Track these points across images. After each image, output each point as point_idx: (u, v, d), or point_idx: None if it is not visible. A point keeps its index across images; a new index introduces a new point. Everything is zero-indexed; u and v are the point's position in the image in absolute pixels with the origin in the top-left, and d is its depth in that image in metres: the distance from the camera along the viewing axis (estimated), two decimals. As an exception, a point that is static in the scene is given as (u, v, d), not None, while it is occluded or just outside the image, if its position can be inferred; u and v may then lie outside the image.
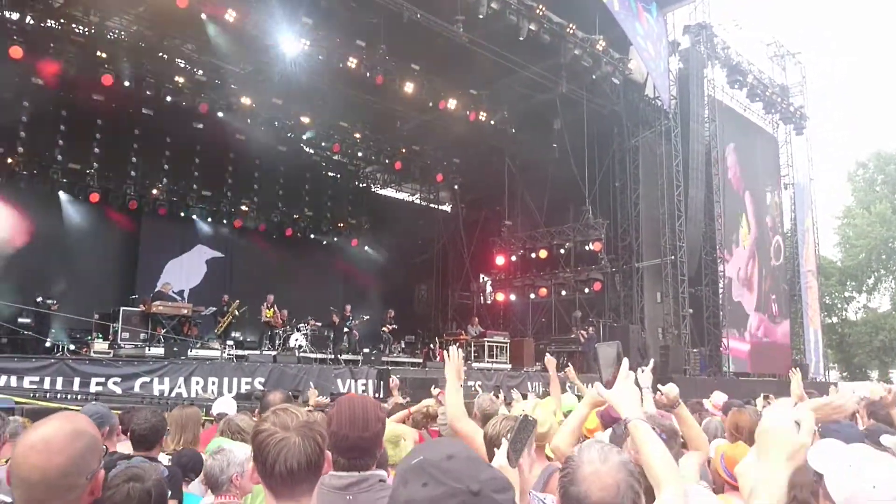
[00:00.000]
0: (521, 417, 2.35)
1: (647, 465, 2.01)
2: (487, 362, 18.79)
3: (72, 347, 13.84)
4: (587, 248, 21.57)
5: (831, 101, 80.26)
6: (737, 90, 25.82)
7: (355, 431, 2.31)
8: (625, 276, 22.06)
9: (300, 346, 16.60)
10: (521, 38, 16.49)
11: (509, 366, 19.09)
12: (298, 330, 17.07)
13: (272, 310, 16.93)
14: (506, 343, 20.05)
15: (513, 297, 24.88)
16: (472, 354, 19.17)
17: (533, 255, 23.42)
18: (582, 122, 19.90)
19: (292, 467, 1.78)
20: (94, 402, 4.38)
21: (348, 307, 18.87)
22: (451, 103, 19.73)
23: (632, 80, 20.65)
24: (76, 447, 1.65)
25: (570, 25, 17.27)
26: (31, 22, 15.81)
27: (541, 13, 16.51)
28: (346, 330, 18.22)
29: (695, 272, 22.41)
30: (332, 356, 16.80)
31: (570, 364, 6.23)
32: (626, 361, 2.30)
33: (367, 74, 17.41)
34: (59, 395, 10.10)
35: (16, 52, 15.18)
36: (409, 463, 1.19)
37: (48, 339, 14.13)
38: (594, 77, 19.02)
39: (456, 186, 27.41)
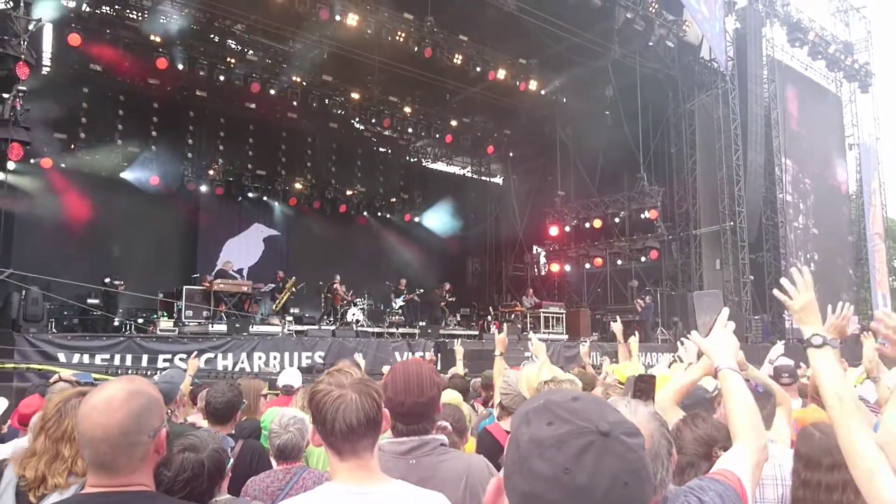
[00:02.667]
0: (635, 376, 2.34)
1: (729, 416, 1.97)
2: (543, 333, 18.73)
3: (141, 322, 14.33)
4: (643, 215, 21.19)
5: (898, 56, 76.73)
6: (797, 48, 24.85)
7: (411, 397, 2.30)
8: (682, 244, 21.64)
9: (357, 321, 16.82)
10: (571, 3, 16.14)
11: (566, 336, 19.00)
12: (355, 305, 17.29)
13: (342, 286, 17.27)
14: (562, 314, 19.95)
15: (567, 268, 24.68)
16: (528, 325, 19.13)
17: (587, 225, 23.15)
18: (635, 87, 19.44)
19: (352, 423, 1.80)
20: (155, 380, 4.44)
21: (403, 281, 19.02)
22: (501, 74, 19.50)
23: (686, 42, 20.05)
24: (134, 405, 1.69)
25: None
26: (87, 9, 16.21)
27: (591, -23, 16.14)
28: (401, 304, 18.39)
29: (755, 238, 21.83)
30: (390, 330, 17.01)
31: (636, 333, 6.03)
32: (725, 310, 2.21)
33: (416, 48, 17.34)
34: (129, 371, 10.47)
35: (74, 39, 15.58)
36: (531, 405, 1.15)
37: (116, 318, 14.62)
38: (647, 41, 18.52)
39: (508, 158, 27.19)
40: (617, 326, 5.85)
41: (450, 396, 4.28)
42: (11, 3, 12.18)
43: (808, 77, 26.38)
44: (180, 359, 11.44)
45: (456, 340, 7.33)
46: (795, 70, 25.55)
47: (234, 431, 3.93)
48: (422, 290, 19.18)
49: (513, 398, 3.70)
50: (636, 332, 5.96)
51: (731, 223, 20.80)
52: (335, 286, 17.17)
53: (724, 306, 2.26)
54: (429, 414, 2.36)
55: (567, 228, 24.11)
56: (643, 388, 2.29)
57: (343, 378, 1.88)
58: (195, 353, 5.97)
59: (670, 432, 1.92)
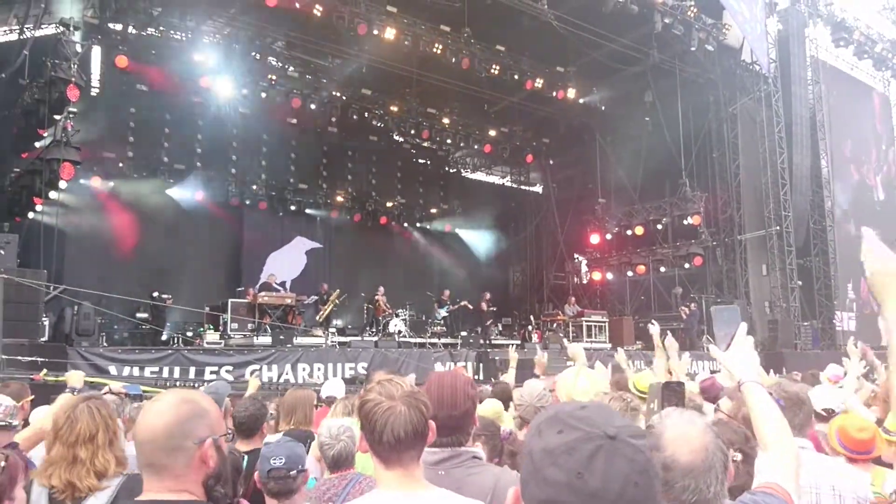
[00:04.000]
0: (662, 383, 2.33)
1: (756, 428, 1.96)
2: (586, 342, 18.56)
3: (189, 335, 14.62)
4: (685, 222, 20.91)
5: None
6: (842, 48, 24.29)
7: (444, 410, 2.29)
8: (727, 250, 21.27)
9: (400, 332, 16.91)
10: (608, 10, 16.06)
11: (609, 345, 18.80)
12: (397, 316, 17.39)
13: (384, 298, 17.38)
14: (604, 322, 19.76)
15: (609, 276, 24.46)
16: (570, 334, 18.99)
17: (629, 232, 22.92)
18: (675, 92, 19.27)
19: (399, 435, 1.84)
20: (205, 387, 4.54)
21: (446, 292, 19.05)
22: (539, 83, 19.51)
23: (727, 45, 19.76)
24: (182, 410, 1.74)
25: (659, -7, 16.71)
26: (133, 31, 16.65)
27: (627, -18, 16.04)
28: (444, 314, 18.43)
29: (802, 242, 21.35)
30: (432, 340, 17.06)
31: (667, 333, 5.90)
32: (743, 325, 2.20)
33: (453, 59, 17.47)
34: (177, 384, 10.69)
35: (121, 61, 16.04)
36: (542, 417, 1.20)
37: (164, 332, 14.95)
38: (687, 46, 18.32)
39: (547, 166, 27.12)
40: (654, 329, 5.75)
41: (490, 406, 4.27)
42: (61, 27, 12.60)
43: (854, 77, 25.77)
44: (226, 371, 11.64)
45: (511, 346, 7.34)
46: (841, 70, 24.98)
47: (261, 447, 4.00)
48: (464, 302, 19.14)
49: (526, 408, 3.84)
50: (667, 333, 5.82)
51: (778, 228, 20.40)
52: (377, 298, 17.29)
53: (742, 321, 2.23)
54: (463, 427, 2.36)
55: (608, 236, 23.92)
56: (672, 395, 2.27)
57: (393, 389, 1.92)
58: (256, 372, 6.05)
59: None
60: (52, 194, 14.68)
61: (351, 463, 3.26)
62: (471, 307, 19.02)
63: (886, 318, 1.66)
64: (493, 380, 7.07)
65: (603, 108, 23.33)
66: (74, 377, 4.50)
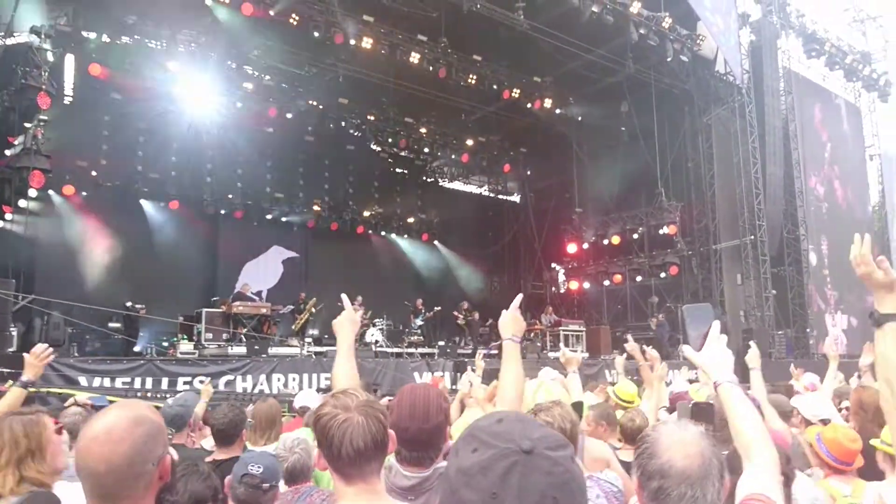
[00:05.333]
0: (692, 404, 2.29)
1: (735, 430, 1.91)
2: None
3: (164, 345, 14.43)
4: (661, 231, 21.10)
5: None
6: (814, 59, 24.70)
7: (415, 423, 2.25)
8: (702, 259, 21.44)
9: (376, 341, 16.82)
10: (584, 21, 16.18)
11: (586, 354, 18.82)
12: (374, 325, 17.29)
13: (361, 308, 17.22)
14: (581, 331, 19.80)
15: (586, 285, 24.55)
16: (548, 344, 19.01)
17: (605, 242, 23.06)
18: (650, 103, 19.43)
19: (359, 447, 1.75)
20: (168, 404, 4.44)
21: (419, 301, 18.98)
22: (515, 92, 19.61)
23: (701, 56, 19.99)
24: (138, 434, 1.64)
25: (634, 4, 16.85)
26: (107, 40, 16.49)
27: (603, -7, 16.17)
28: (420, 323, 18.35)
29: (776, 252, 21.59)
30: (409, 350, 16.96)
31: (647, 347, 5.82)
32: (717, 323, 2.17)
33: (430, 68, 17.50)
34: (149, 395, 10.53)
35: (94, 69, 15.89)
36: (461, 434, 1.16)
37: (137, 342, 14.73)
38: (662, 56, 18.50)
39: (525, 176, 27.21)
40: (633, 347, 5.70)
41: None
42: (33, 35, 12.45)
43: (825, 88, 26.18)
44: (200, 381, 11.48)
45: (479, 354, 7.31)
46: (813, 81, 25.37)
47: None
48: (439, 308, 19.11)
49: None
50: (648, 347, 5.75)
51: (752, 237, 20.61)
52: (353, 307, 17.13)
53: (715, 319, 2.20)
54: (433, 442, 2.30)
55: (585, 245, 24.05)
56: (701, 415, 2.22)
57: (348, 400, 1.83)
58: (209, 379, 5.96)
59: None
60: (22, 203, 14.50)
61: (307, 476, 3.20)
62: (437, 310, 18.86)
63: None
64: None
65: (579, 118, 23.47)
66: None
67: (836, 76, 26.28)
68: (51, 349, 3.73)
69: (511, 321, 2.85)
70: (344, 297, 3.12)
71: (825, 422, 3.94)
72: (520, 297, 2.96)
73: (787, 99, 23.00)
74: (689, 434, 1.63)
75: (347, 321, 2.94)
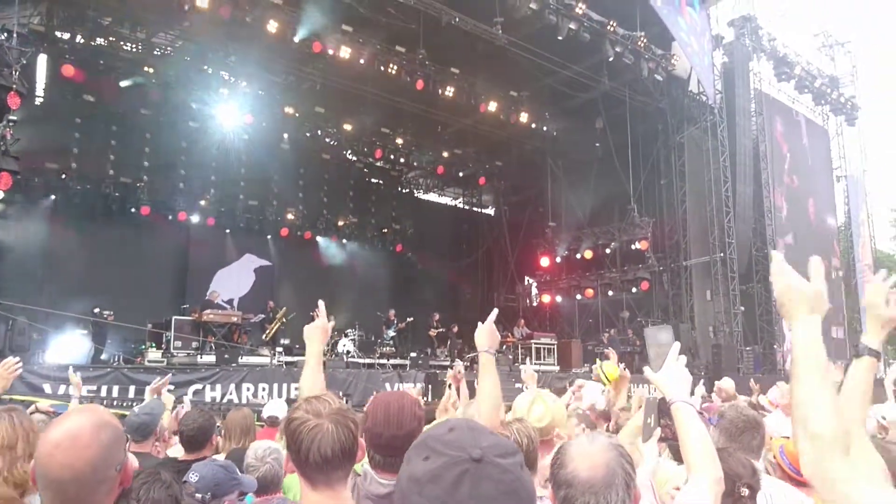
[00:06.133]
0: (658, 398, 2.34)
1: (683, 448, 2.01)
2: (535, 364, 18.63)
3: (129, 354, 14.19)
4: (633, 247, 21.31)
5: (884, 90, 77.62)
6: (784, 82, 25.21)
7: (389, 429, 2.27)
8: (673, 275, 21.69)
9: (348, 352, 16.72)
10: (561, 38, 16.33)
11: (557, 367, 18.92)
12: (346, 335, 17.20)
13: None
14: (553, 345, 19.88)
15: (559, 299, 24.69)
16: (520, 356, 19.05)
17: (578, 256, 23.23)
18: (625, 120, 19.67)
19: (326, 454, 1.77)
20: (134, 412, 4.38)
21: (392, 312, 18.94)
22: (492, 106, 19.70)
23: (675, 76, 20.31)
24: (102, 439, 1.62)
25: (611, 23, 17.05)
26: (81, 41, 16.30)
27: (581, 12, 16.32)
28: (392, 334, 18.30)
29: (745, 269, 21.93)
30: (380, 361, 16.88)
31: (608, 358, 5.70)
32: (676, 344, 2.25)
33: (408, 79, 17.52)
34: (115, 403, 10.35)
35: (67, 70, 15.71)
36: (414, 443, 1.17)
37: (104, 349, 14.46)
38: (637, 74, 18.75)
39: (499, 189, 27.34)
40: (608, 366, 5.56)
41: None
42: (4, 34, 12.25)
43: (795, 110, 26.72)
44: (167, 390, 11.30)
45: (457, 362, 7.26)
46: (783, 103, 25.89)
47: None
48: (411, 319, 19.07)
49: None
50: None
51: (722, 254, 20.90)
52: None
53: (675, 340, 2.28)
54: (406, 448, 2.30)
55: (558, 259, 24.19)
56: (668, 409, 2.27)
57: (321, 406, 1.85)
58: (158, 379, 5.81)
59: None
60: (-11, 205, 14.24)
61: (277, 487, 3.17)
62: (409, 321, 18.85)
63: (793, 334, 1.73)
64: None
65: (555, 133, 23.70)
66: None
67: (805, 99, 26.85)
68: (20, 362, 3.69)
69: (487, 334, 2.95)
70: (321, 304, 3.07)
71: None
72: (495, 311, 3.05)
73: (757, 120, 23.44)
74: (595, 446, 1.70)
75: (320, 330, 2.95)
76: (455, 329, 19.71)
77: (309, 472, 1.81)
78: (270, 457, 3.17)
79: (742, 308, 21.36)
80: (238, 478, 2.94)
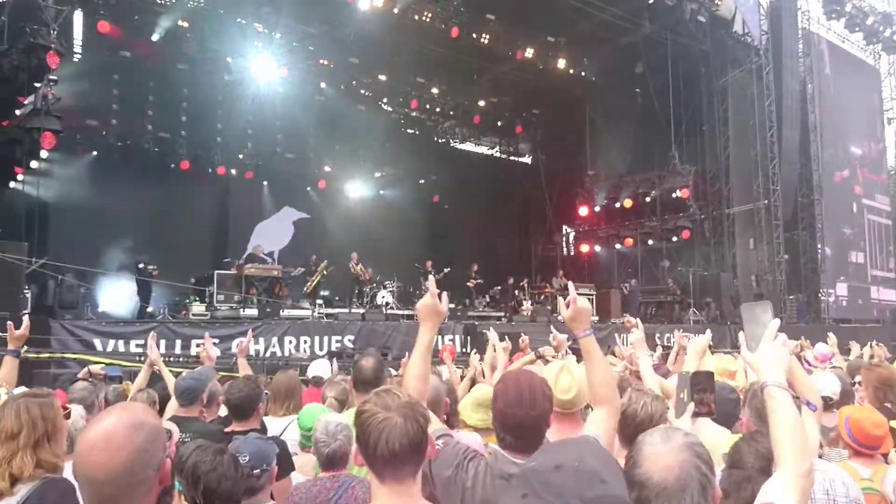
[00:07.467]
0: (690, 374, 2.26)
1: (773, 436, 1.89)
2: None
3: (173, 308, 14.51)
4: (674, 195, 20.89)
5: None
6: (834, 20, 24.15)
7: (522, 409, 2.25)
8: (715, 223, 21.31)
9: (387, 303, 16.85)
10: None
11: (596, 318, 18.84)
12: (385, 287, 17.30)
13: (359, 266, 17.21)
14: (591, 295, 19.76)
15: (597, 248, 24.49)
16: (558, 307, 18.98)
17: (617, 205, 22.90)
18: (666, 64, 19.09)
19: (394, 448, 1.77)
20: (182, 376, 4.47)
21: (428, 263, 18.93)
22: (529, 53, 19.31)
23: (719, 16, 19.54)
24: (138, 440, 1.60)
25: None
26: (116, -5, 16.26)
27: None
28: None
29: (790, 216, 21.42)
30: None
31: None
32: (775, 322, 2.11)
33: (443, 27, 17.24)
34: (163, 358, 10.57)
35: (103, 26, 15.70)
36: (512, 470, 1.11)
37: (150, 304, 14.80)
38: (678, 16, 18.10)
39: (536, 138, 26.96)
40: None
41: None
42: (41, -8, 12.25)
43: (845, 50, 25.65)
44: (212, 344, 11.54)
45: (489, 329, 7.23)
46: (832, 43, 24.85)
47: (259, 426, 3.93)
48: (448, 269, 19.08)
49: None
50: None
51: (766, 201, 20.42)
52: (351, 265, 17.11)
53: (774, 318, 2.16)
54: (540, 428, 2.30)
55: (597, 208, 23.91)
56: (702, 383, 2.20)
57: (390, 400, 1.84)
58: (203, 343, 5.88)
59: (731, 450, 1.85)
60: (34, 163, 14.46)
61: (345, 463, 3.16)
62: (446, 272, 18.87)
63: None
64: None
65: (593, 78, 23.14)
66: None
67: (855, 38, 25.73)
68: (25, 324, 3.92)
69: (578, 313, 2.57)
70: (431, 281, 2.72)
71: (826, 399, 3.86)
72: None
73: (805, 61, 22.56)
74: (668, 447, 1.63)
75: (430, 309, 2.58)
76: (510, 281, 19.67)
77: (377, 465, 1.81)
78: (342, 433, 3.15)
79: (786, 256, 20.93)
80: (273, 448, 3.00)
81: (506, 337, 5.70)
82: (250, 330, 8.36)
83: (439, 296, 2.60)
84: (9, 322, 4.03)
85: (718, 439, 2.72)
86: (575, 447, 1.17)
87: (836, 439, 3.43)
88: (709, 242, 21.36)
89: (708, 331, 5.06)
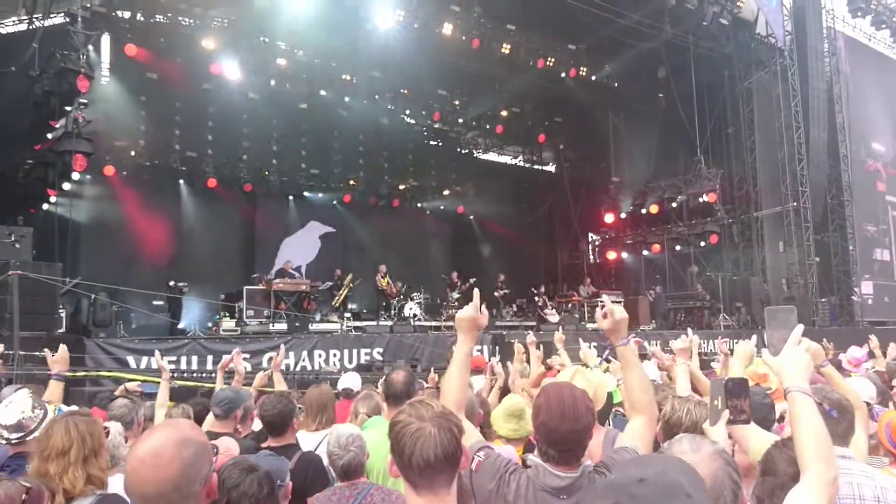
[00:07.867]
0: (724, 380, 2.24)
1: (797, 443, 1.88)
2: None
3: (209, 325, 14.65)
4: (701, 199, 20.71)
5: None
6: (860, 18, 23.82)
7: (566, 424, 2.24)
8: (743, 227, 21.10)
9: (415, 315, 16.89)
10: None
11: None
12: (412, 299, 17.35)
13: (386, 279, 17.28)
14: (619, 302, 19.58)
15: (624, 255, 24.35)
16: (586, 315, 18.92)
17: (643, 211, 22.79)
18: (689, 68, 18.97)
19: (429, 458, 1.78)
20: (222, 388, 4.54)
21: (454, 274, 18.95)
22: (550, 61, 19.36)
23: (741, 18, 19.42)
24: (185, 456, 1.65)
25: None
26: (141, 19, 16.59)
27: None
28: (457, 296, 18.34)
29: (820, 218, 21.11)
30: (447, 323, 16.97)
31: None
32: (800, 327, 2.12)
33: (463, 38, 17.33)
34: (195, 374, 10.71)
35: (130, 49, 16.00)
36: (597, 482, 1.11)
37: (181, 321, 14.98)
38: (700, 20, 18.00)
39: (559, 146, 26.90)
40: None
41: (519, 401, 4.16)
42: (68, 17, 12.54)
43: (872, 48, 25.28)
44: (243, 359, 11.64)
45: (529, 333, 7.20)
46: (858, 41, 24.52)
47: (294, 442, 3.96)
48: (473, 280, 19.07)
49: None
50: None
51: (795, 204, 20.16)
52: (377, 277, 17.19)
53: (798, 322, 2.14)
54: (583, 441, 2.30)
55: (623, 215, 23.79)
56: (736, 390, 2.17)
57: (424, 410, 1.86)
58: (231, 355, 5.97)
59: (763, 457, 1.89)
60: (66, 185, 14.75)
61: (360, 473, 3.23)
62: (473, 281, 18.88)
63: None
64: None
65: (615, 85, 23.08)
66: None
67: (882, 35, 25.34)
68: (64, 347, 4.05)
69: (618, 324, 2.56)
70: (475, 293, 2.64)
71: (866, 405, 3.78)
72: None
73: (831, 60, 22.28)
74: (699, 456, 1.63)
75: (469, 321, 2.55)
76: (542, 289, 19.65)
77: (412, 475, 1.82)
78: (354, 444, 3.22)
79: (817, 259, 20.62)
80: (285, 464, 3.03)
81: (541, 346, 5.71)
82: (282, 344, 8.42)
83: (480, 307, 2.57)
84: (45, 349, 4.14)
85: (765, 444, 2.69)
86: (655, 461, 1.16)
87: (876, 447, 3.35)
88: (737, 246, 21.13)
89: (754, 336, 5.03)
